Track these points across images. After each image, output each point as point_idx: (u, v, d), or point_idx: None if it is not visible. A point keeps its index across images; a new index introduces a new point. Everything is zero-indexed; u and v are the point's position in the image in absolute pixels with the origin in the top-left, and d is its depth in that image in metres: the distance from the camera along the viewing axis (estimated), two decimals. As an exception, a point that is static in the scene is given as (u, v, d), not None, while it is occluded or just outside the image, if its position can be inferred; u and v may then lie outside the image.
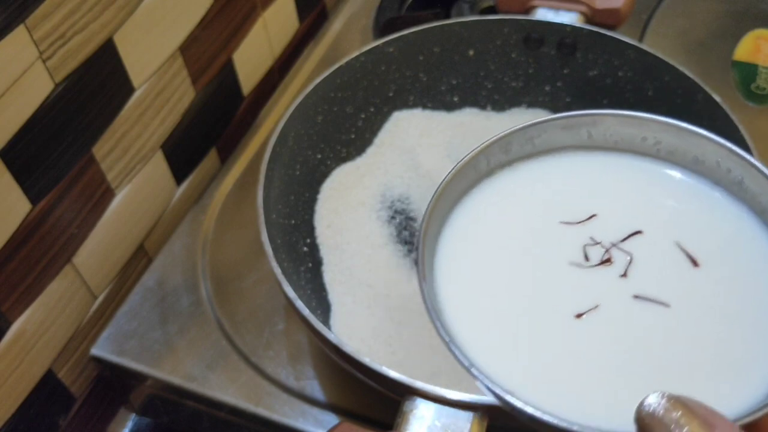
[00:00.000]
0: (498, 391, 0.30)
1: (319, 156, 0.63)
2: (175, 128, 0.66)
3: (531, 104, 0.67)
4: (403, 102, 0.67)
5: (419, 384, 0.42)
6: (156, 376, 0.57)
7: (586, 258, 0.36)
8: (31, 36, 0.48)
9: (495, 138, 0.38)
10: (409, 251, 0.60)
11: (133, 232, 0.64)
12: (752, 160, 0.35)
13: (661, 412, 0.26)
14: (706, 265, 0.35)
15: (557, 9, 0.64)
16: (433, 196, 0.36)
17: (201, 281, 0.61)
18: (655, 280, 0.35)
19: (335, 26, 0.82)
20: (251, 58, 0.74)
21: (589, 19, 0.64)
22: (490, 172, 0.39)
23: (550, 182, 0.39)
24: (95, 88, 0.55)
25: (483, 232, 0.37)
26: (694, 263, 0.35)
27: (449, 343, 0.32)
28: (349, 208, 0.62)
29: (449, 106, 0.68)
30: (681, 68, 0.57)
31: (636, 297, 0.34)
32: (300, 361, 0.57)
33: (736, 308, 0.34)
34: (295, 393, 0.55)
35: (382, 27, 0.77)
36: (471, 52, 0.66)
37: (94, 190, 0.58)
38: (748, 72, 0.63)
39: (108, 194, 0.59)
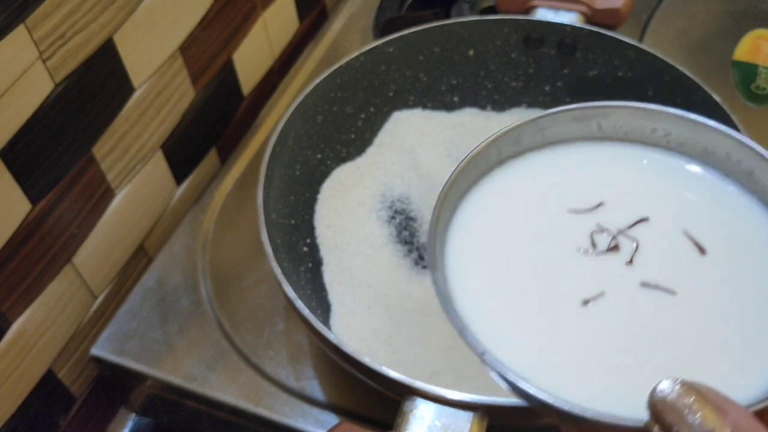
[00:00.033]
0: (511, 377, 0.30)
1: (319, 156, 0.63)
2: (175, 128, 0.66)
3: (531, 104, 0.67)
4: (403, 102, 0.67)
5: (419, 384, 0.42)
6: (156, 376, 0.57)
7: (594, 245, 0.36)
8: (31, 36, 0.48)
9: (506, 129, 0.38)
10: (409, 251, 0.60)
11: (133, 232, 0.64)
12: (762, 151, 0.35)
13: (675, 397, 0.26)
14: (714, 253, 0.35)
15: (557, 9, 0.64)
16: (444, 186, 0.36)
17: (201, 281, 0.61)
18: (661, 267, 0.35)
19: (335, 26, 0.82)
20: (251, 58, 0.74)
21: (589, 19, 0.64)
22: (500, 162, 0.40)
23: (559, 171, 0.40)
24: (95, 88, 0.55)
25: (492, 220, 0.38)
26: (702, 251, 0.35)
27: (462, 330, 0.32)
28: (349, 208, 0.62)
29: (449, 106, 0.68)
30: (681, 68, 0.57)
31: (643, 284, 0.34)
32: (300, 361, 0.57)
33: (744, 296, 0.34)
34: (295, 393, 0.55)
35: (382, 27, 0.77)
36: (471, 52, 0.66)
37: (94, 190, 0.58)
38: (748, 72, 0.63)
39: (108, 194, 0.59)
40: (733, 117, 0.52)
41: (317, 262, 0.59)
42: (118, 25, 0.56)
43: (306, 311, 0.46)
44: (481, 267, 0.36)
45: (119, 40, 0.56)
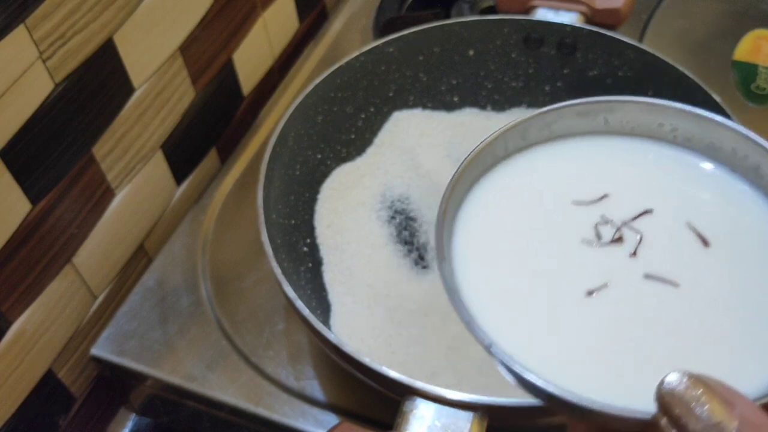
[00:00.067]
0: (518, 369, 0.30)
1: (319, 156, 0.63)
2: (175, 128, 0.66)
3: (531, 104, 0.67)
4: (403, 102, 0.67)
5: (419, 384, 0.42)
6: (156, 376, 0.57)
7: (598, 236, 0.36)
8: (31, 36, 0.48)
9: (514, 123, 0.39)
10: (409, 251, 0.60)
11: (133, 232, 0.64)
12: None
13: (682, 389, 0.26)
14: (717, 245, 0.35)
15: (557, 9, 0.64)
16: (451, 179, 0.37)
17: (201, 281, 0.61)
18: (664, 259, 0.35)
19: (335, 26, 0.82)
20: (251, 58, 0.74)
21: (589, 19, 0.64)
22: (506, 156, 0.40)
23: (565, 164, 0.40)
24: (95, 88, 0.55)
25: (498, 213, 0.38)
26: (705, 243, 0.35)
27: (469, 322, 0.32)
28: (349, 208, 0.62)
29: (449, 106, 0.68)
30: (681, 68, 0.57)
31: (646, 276, 0.34)
32: (300, 361, 0.57)
33: (748, 289, 0.34)
34: (295, 393, 0.55)
35: (382, 27, 0.77)
36: (471, 52, 0.66)
37: (94, 190, 0.58)
38: (748, 72, 0.63)
39: (108, 194, 0.59)
40: (733, 117, 0.52)
41: (317, 262, 0.59)
42: (118, 25, 0.56)
43: (306, 311, 0.46)
44: (487, 259, 0.36)
45: (119, 40, 0.56)
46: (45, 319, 0.55)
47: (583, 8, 0.63)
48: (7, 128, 0.49)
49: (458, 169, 0.37)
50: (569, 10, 0.64)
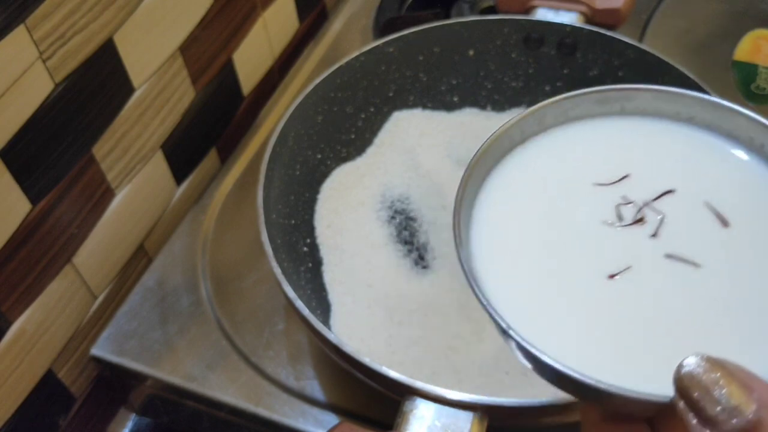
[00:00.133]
0: (536, 352, 0.30)
1: (319, 156, 0.63)
2: (175, 128, 0.66)
3: (531, 104, 0.67)
4: (403, 102, 0.67)
5: (419, 384, 0.42)
6: (156, 376, 0.57)
7: (620, 217, 0.36)
8: (31, 36, 0.48)
9: (531, 110, 0.39)
10: (409, 251, 0.60)
11: (133, 232, 0.64)
12: None
13: (701, 373, 0.26)
14: (736, 225, 0.35)
15: (557, 9, 0.64)
16: (468, 165, 0.36)
17: (201, 281, 0.61)
18: (686, 239, 0.35)
19: (335, 26, 0.82)
20: (251, 58, 0.74)
21: (589, 19, 0.64)
22: (523, 141, 0.40)
23: (583, 146, 0.39)
24: (95, 88, 0.55)
25: (516, 196, 0.38)
26: (724, 223, 0.35)
27: (487, 306, 0.32)
28: (349, 208, 0.62)
29: (449, 106, 0.68)
30: (681, 68, 0.57)
31: (668, 256, 0.34)
32: (300, 361, 0.57)
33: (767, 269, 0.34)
34: (295, 393, 0.55)
35: (382, 27, 0.77)
36: (471, 52, 0.66)
37: (94, 190, 0.58)
38: (748, 72, 0.63)
39: (108, 194, 0.59)
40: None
41: (317, 262, 0.59)
42: (118, 25, 0.56)
43: (306, 311, 0.46)
44: (506, 243, 0.36)
45: (119, 40, 0.56)
46: (45, 319, 0.55)
47: (583, 8, 0.63)
48: (7, 128, 0.49)
49: (474, 155, 0.37)
50: (569, 10, 0.64)
